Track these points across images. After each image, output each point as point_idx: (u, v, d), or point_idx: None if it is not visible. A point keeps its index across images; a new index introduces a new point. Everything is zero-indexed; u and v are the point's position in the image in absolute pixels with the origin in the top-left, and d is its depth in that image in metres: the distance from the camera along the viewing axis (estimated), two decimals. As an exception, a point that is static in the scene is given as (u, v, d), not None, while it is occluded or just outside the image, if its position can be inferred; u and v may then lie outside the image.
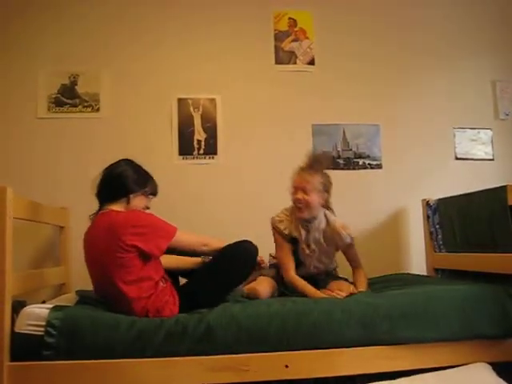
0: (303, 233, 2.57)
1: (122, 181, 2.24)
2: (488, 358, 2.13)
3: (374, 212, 3.40)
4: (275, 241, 2.63)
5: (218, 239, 2.36)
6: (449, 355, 2.14)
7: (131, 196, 2.24)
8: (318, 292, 2.40)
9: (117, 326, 1.97)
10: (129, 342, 1.95)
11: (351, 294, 2.36)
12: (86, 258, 2.23)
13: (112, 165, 2.33)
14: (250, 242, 2.33)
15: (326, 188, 2.56)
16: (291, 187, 2.57)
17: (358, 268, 2.66)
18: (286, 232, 2.57)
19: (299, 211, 2.51)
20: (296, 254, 2.60)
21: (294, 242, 2.59)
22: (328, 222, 2.60)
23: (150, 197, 2.36)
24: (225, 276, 2.26)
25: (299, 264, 2.62)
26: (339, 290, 2.40)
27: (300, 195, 2.49)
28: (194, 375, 1.96)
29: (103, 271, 2.10)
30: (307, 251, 2.59)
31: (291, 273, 2.53)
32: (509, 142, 3.61)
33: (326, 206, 2.63)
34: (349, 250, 2.65)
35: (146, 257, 2.11)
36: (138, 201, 2.27)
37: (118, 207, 2.21)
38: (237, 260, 2.28)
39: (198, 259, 2.39)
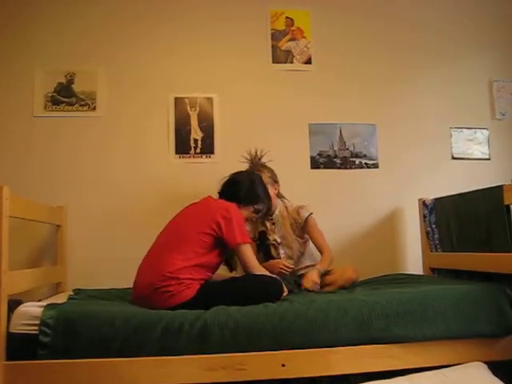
0: (268, 225, 2.92)
1: (237, 190, 2.55)
2: (484, 357, 2.14)
3: (370, 211, 3.40)
4: None
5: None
6: (445, 354, 2.15)
7: (238, 205, 2.48)
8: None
9: (112, 322, 1.97)
10: (125, 338, 1.95)
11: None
12: (173, 219, 2.49)
13: (240, 172, 2.71)
14: (278, 280, 2.43)
15: (275, 179, 2.94)
16: None
17: (323, 252, 2.86)
18: (251, 234, 2.86)
19: None
20: (268, 251, 2.89)
21: (263, 238, 2.91)
22: (286, 207, 2.95)
23: (256, 214, 2.63)
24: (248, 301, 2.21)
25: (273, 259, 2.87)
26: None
27: None
28: (190, 374, 1.96)
29: (178, 234, 2.35)
30: (276, 239, 2.89)
31: None
32: (505, 142, 3.61)
33: (280, 195, 3.00)
34: (312, 229, 2.91)
35: (218, 242, 2.34)
36: (244, 212, 2.53)
37: None
38: (263, 296, 2.26)
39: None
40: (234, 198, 2.51)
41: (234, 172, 2.68)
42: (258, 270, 2.41)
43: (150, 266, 2.30)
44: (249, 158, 2.97)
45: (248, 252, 2.39)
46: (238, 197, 2.52)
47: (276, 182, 2.95)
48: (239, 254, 2.39)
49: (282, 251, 2.91)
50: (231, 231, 2.33)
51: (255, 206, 2.58)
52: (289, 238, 2.91)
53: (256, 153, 2.97)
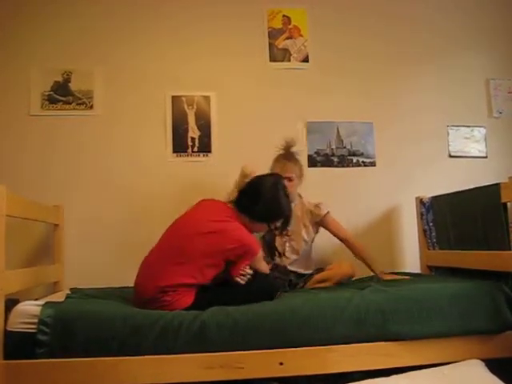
0: None
1: (255, 205, 2.33)
2: (481, 354, 2.15)
3: (367, 210, 3.40)
4: None
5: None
6: (442, 352, 2.15)
7: (253, 220, 2.35)
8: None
9: (111, 322, 1.97)
10: (123, 337, 1.95)
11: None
12: (180, 221, 2.35)
13: (265, 181, 2.42)
14: (272, 278, 2.43)
15: (302, 173, 2.85)
16: None
17: (349, 240, 2.89)
18: None
19: None
20: (271, 242, 2.76)
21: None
22: (303, 203, 2.87)
23: (270, 229, 2.46)
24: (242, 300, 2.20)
25: (274, 253, 2.76)
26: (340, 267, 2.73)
27: (285, 184, 2.56)
28: (188, 373, 1.96)
29: (185, 249, 2.17)
30: (284, 236, 2.76)
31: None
32: (502, 140, 3.62)
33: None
34: (330, 223, 2.89)
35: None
36: (258, 227, 2.41)
37: (242, 217, 2.33)
38: (256, 295, 2.25)
39: None
40: (250, 211, 2.35)
41: (257, 176, 2.51)
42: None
43: (151, 276, 2.19)
44: (284, 145, 2.85)
45: (261, 263, 2.38)
46: (253, 212, 2.34)
47: (302, 175, 2.86)
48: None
49: (287, 244, 2.87)
50: (237, 267, 2.24)
51: (270, 225, 2.42)
52: (298, 233, 2.87)
53: (292, 141, 2.85)
